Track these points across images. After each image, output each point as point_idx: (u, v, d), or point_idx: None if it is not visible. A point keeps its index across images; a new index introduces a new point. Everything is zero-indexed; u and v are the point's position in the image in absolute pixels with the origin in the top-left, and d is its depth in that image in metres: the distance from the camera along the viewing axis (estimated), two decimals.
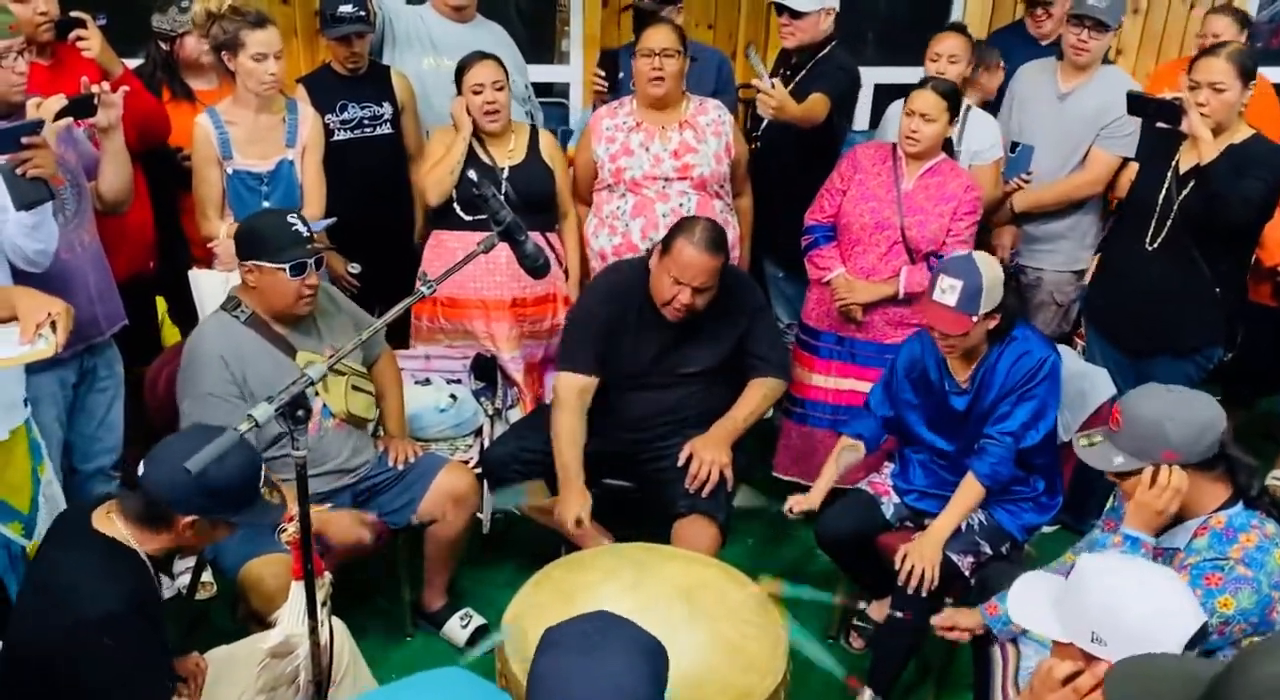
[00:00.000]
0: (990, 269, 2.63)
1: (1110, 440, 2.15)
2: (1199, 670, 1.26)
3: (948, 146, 3.28)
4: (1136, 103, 3.05)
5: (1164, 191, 3.06)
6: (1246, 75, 2.95)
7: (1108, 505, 2.41)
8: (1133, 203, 3.22)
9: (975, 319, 2.60)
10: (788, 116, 3.23)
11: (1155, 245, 3.09)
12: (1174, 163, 3.06)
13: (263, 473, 1.99)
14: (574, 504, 2.88)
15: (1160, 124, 3.02)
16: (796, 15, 3.49)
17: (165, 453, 1.95)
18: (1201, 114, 2.90)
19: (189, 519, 1.93)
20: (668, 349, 3.01)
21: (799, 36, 3.52)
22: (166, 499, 1.92)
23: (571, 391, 2.98)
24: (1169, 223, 3.05)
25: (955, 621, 2.46)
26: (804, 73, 3.56)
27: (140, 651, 1.90)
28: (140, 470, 1.94)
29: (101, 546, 1.94)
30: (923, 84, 3.18)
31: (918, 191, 3.21)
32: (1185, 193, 3.01)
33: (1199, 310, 3.12)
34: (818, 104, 3.35)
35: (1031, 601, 1.77)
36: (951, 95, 3.16)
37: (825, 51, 3.56)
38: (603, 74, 3.53)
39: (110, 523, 1.96)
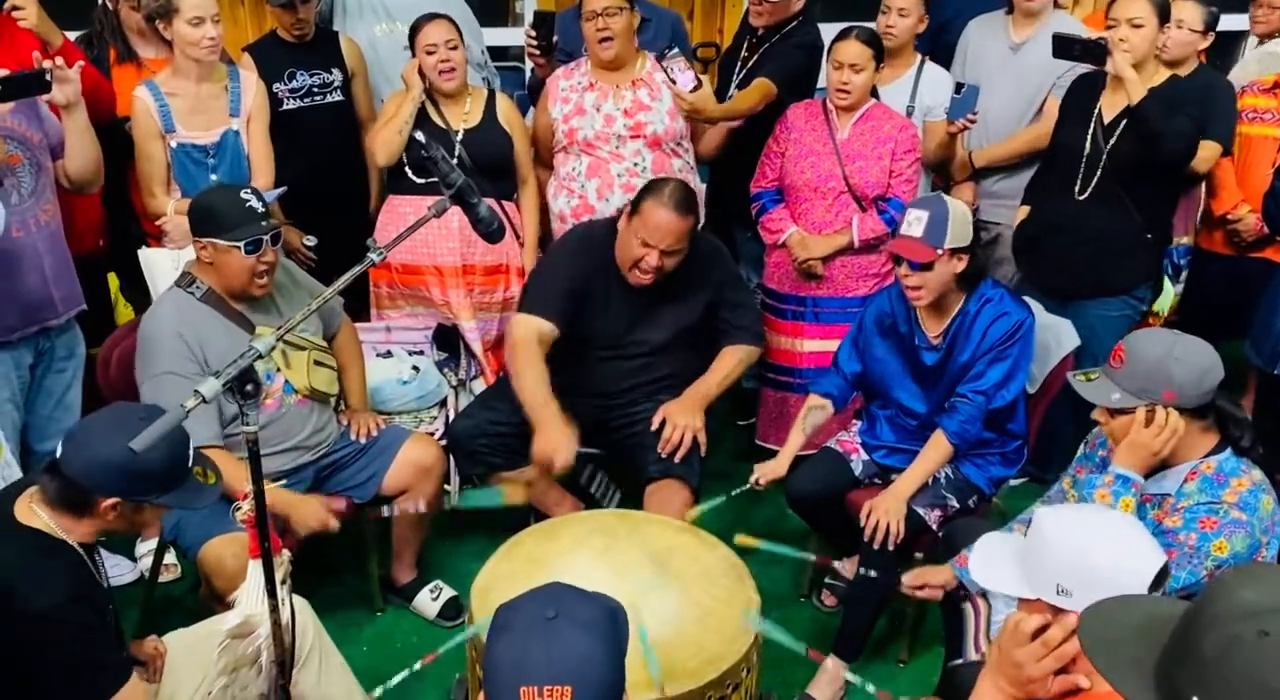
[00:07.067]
0: (958, 207, 2.64)
1: (1109, 377, 2.14)
2: (1169, 608, 1.27)
3: (874, 93, 3.27)
4: (1062, 44, 3.02)
5: (1089, 140, 3.08)
6: (1163, 13, 2.97)
7: (1078, 453, 2.42)
8: (1058, 153, 3.22)
9: (940, 251, 2.58)
10: (706, 117, 3.25)
11: (1085, 194, 3.11)
12: (1098, 111, 3.08)
13: (191, 451, 1.91)
14: (562, 442, 2.71)
15: (1086, 65, 3.04)
16: None
17: (84, 433, 1.87)
18: (1122, 51, 2.91)
19: (110, 502, 1.85)
20: (636, 319, 2.96)
21: (766, 18, 3.48)
22: (86, 482, 1.83)
23: (531, 333, 2.83)
24: (1099, 171, 3.08)
25: (925, 579, 2.45)
26: (766, 47, 3.50)
27: (84, 643, 1.83)
28: (59, 452, 1.86)
29: (27, 540, 1.85)
30: (844, 35, 3.14)
31: (853, 140, 3.21)
32: (1114, 139, 3.03)
33: (1130, 252, 3.17)
34: (751, 96, 3.29)
35: (994, 563, 1.76)
36: (875, 42, 3.14)
37: (791, 26, 3.49)
38: (534, 35, 3.45)
39: (33, 514, 1.87)
